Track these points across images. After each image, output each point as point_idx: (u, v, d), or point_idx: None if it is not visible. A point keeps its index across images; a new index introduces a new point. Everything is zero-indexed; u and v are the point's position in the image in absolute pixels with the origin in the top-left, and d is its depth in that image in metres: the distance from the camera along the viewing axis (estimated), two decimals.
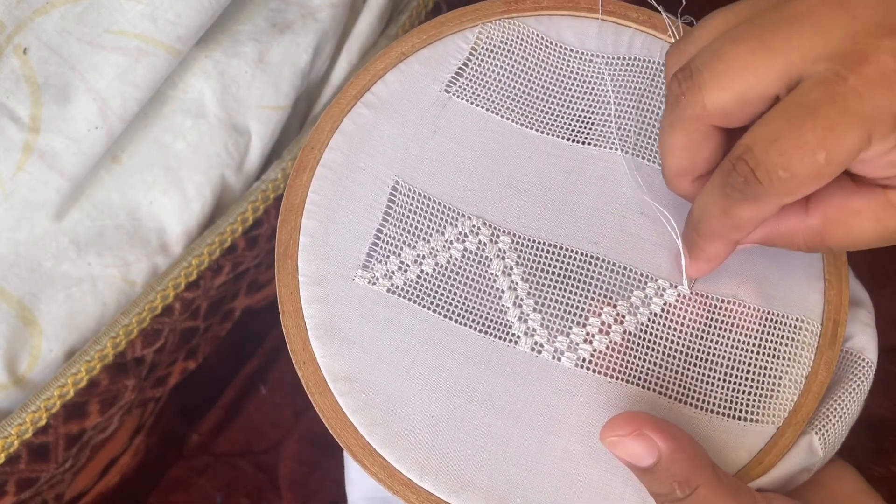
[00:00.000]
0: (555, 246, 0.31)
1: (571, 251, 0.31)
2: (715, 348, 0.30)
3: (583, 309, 0.30)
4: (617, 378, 0.30)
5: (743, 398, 0.30)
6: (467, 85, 0.34)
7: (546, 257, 0.31)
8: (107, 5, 0.35)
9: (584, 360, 0.30)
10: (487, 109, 0.33)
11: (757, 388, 0.30)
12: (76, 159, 0.35)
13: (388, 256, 0.31)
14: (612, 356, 0.30)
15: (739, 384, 0.30)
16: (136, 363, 0.37)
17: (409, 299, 0.31)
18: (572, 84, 0.34)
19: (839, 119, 0.23)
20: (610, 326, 0.30)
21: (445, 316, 0.30)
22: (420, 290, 0.31)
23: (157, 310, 0.37)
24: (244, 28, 0.39)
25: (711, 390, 0.30)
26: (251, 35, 0.39)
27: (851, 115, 0.23)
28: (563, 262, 0.31)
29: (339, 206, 0.32)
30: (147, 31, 0.35)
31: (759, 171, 0.24)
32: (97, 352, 0.36)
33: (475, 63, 0.34)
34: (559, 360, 0.30)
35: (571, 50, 0.34)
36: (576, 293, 0.31)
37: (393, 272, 0.31)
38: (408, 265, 0.31)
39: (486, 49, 0.34)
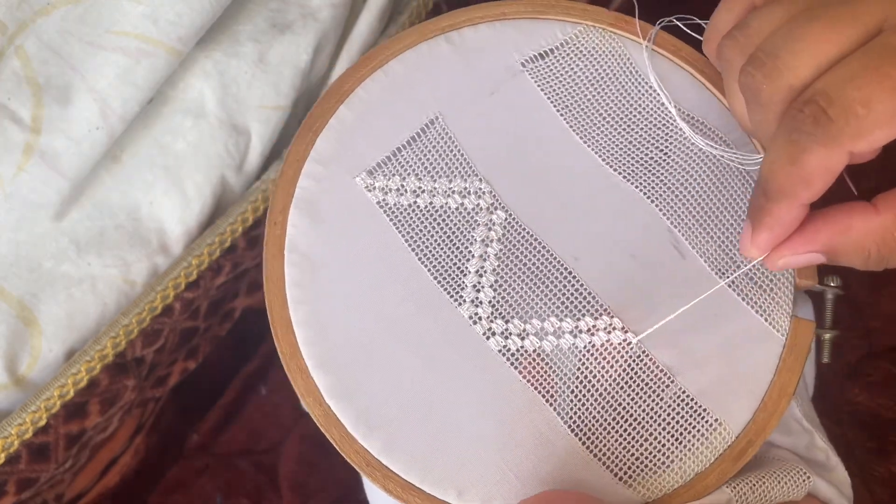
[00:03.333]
0: (539, 242, 0.32)
1: (551, 254, 0.32)
2: (628, 403, 0.31)
3: (532, 308, 0.31)
4: (529, 381, 0.30)
5: (629, 459, 0.30)
6: (544, 69, 0.34)
7: (527, 247, 0.32)
8: (108, 6, 0.35)
9: (509, 349, 0.31)
10: (549, 98, 0.34)
11: (646, 458, 0.30)
12: (77, 160, 0.35)
13: (393, 175, 0.32)
14: (534, 359, 0.31)
15: (633, 446, 0.30)
16: (136, 363, 0.37)
17: (391, 219, 0.32)
18: (636, 116, 0.34)
19: None
20: (547, 335, 0.31)
21: (412, 249, 0.32)
22: (404, 217, 0.32)
23: (157, 310, 0.37)
24: (244, 28, 0.39)
25: (606, 437, 0.30)
26: (251, 35, 0.39)
27: None
28: (538, 258, 0.32)
29: (378, 109, 0.33)
30: (148, 32, 0.35)
31: (833, 109, 0.23)
32: (97, 352, 0.36)
33: (561, 54, 0.35)
34: (488, 338, 0.31)
35: (651, 87, 0.34)
36: (533, 291, 0.31)
37: (391, 190, 0.32)
38: (406, 191, 0.32)
39: (577, 48, 0.35)
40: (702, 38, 0.32)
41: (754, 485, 0.31)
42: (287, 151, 0.32)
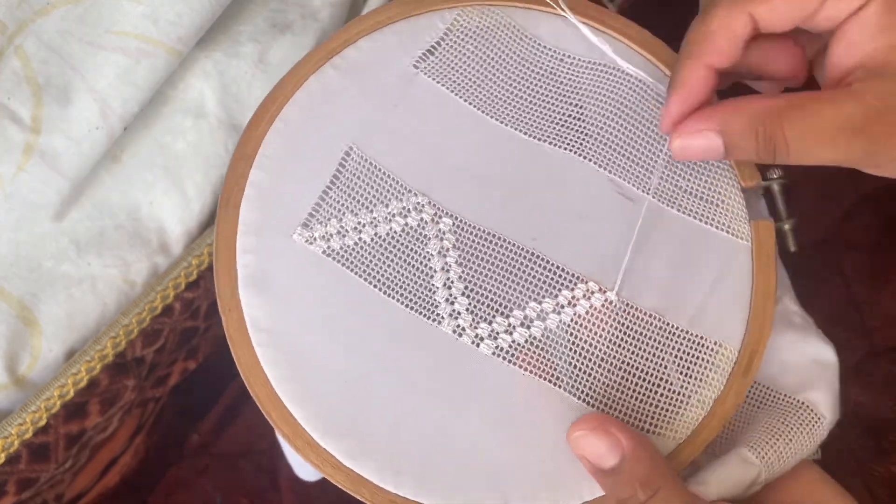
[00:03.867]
0: (494, 235, 0.32)
1: (509, 243, 0.31)
2: (630, 358, 0.31)
3: (510, 300, 0.31)
4: (531, 372, 0.30)
5: (649, 410, 0.30)
6: (437, 64, 0.34)
7: (483, 245, 0.31)
8: (107, 6, 0.35)
9: (502, 349, 0.30)
10: (452, 91, 0.33)
11: (665, 402, 0.30)
12: (77, 160, 0.35)
13: (329, 219, 0.31)
14: (530, 350, 0.30)
15: (648, 396, 0.30)
16: (136, 363, 0.37)
17: (343, 264, 0.31)
18: (540, 81, 0.34)
19: None
20: (532, 321, 0.31)
21: (375, 286, 0.31)
22: (355, 257, 0.31)
23: (157, 310, 0.37)
24: (244, 28, 0.39)
25: (620, 397, 0.30)
26: (251, 35, 0.39)
27: None
28: (498, 251, 0.31)
29: (289, 161, 0.32)
30: (148, 32, 0.35)
31: None
32: (97, 352, 0.36)
33: (448, 44, 0.34)
34: (478, 345, 0.30)
35: (545, 47, 0.34)
36: (505, 284, 0.31)
37: (332, 235, 0.31)
38: (347, 231, 0.31)
39: (462, 32, 0.34)
40: None
41: (780, 452, 0.31)
42: (214, 234, 0.31)
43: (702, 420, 0.31)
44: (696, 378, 0.31)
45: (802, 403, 0.32)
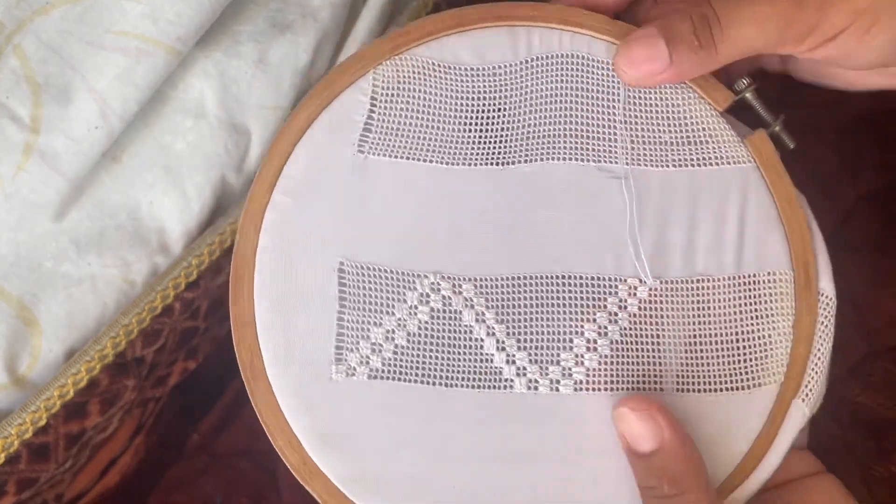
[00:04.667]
0: (517, 277, 0.30)
1: (535, 277, 0.30)
2: (700, 329, 0.30)
3: (565, 332, 0.30)
4: (617, 389, 0.30)
5: (740, 367, 0.30)
6: (379, 139, 0.32)
7: (513, 291, 0.30)
8: (107, 5, 0.35)
9: (580, 382, 0.30)
10: (408, 158, 0.31)
11: (750, 353, 0.30)
12: (76, 159, 0.35)
13: (357, 342, 0.30)
14: (606, 370, 0.30)
15: (733, 355, 0.30)
16: (136, 363, 0.37)
17: (393, 378, 0.29)
18: (484, 104, 0.32)
19: None
20: (596, 342, 0.30)
21: (434, 383, 0.29)
22: (400, 366, 0.30)
23: (157, 310, 0.37)
24: (244, 28, 0.39)
25: (708, 370, 0.30)
26: (251, 35, 0.39)
27: None
28: (530, 290, 0.30)
29: (290, 309, 0.30)
30: (147, 32, 0.35)
31: None
32: (97, 352, 0.36)
33: (379, 113, 0.32)
34: (557, 389, 0.29)
35: (472, 69, 0.32)
36: (553, 318, 0.30)
37: (368, 357, 0.30)
38: (380, 344, 0.30)
39: (386, 94, 0.32)
40: None
41: (818, 389, 0.30)
42: (259, 413, 0.29)
43: (790, 351, 0.30)
44: (767, 315, 0.30)
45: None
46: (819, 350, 0.30)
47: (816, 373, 0.30)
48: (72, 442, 0.36)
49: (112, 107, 0.36)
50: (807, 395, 0.30)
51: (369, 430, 0.29)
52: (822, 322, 0.31)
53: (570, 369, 0.30)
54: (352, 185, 0.31)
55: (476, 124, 0.32)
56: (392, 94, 0.32)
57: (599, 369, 0.30)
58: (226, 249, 0.39)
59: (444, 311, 0.30)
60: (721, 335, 0.30)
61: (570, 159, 0.31)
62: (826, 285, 0.31)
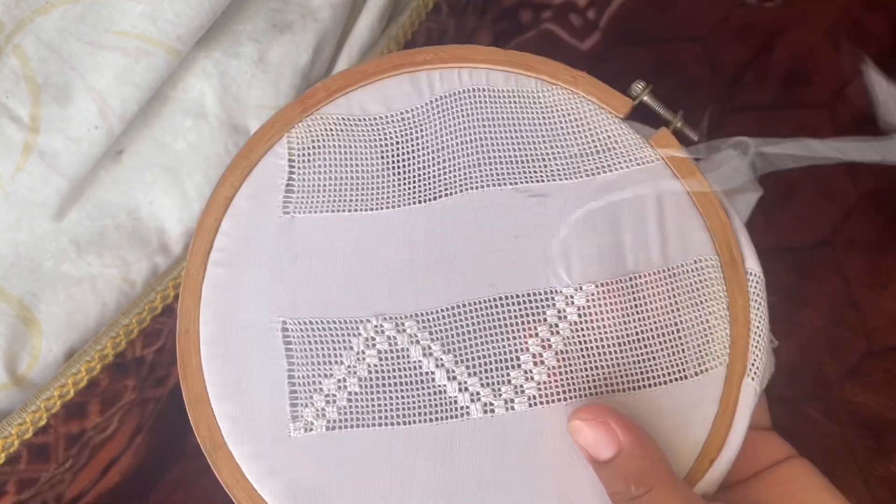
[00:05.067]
0: (457, 306, 0.31)
1: (473, 303, 0.31)
2: (640, 325, 0.31)
3: (511, 351, 0.30)
4: (571, 398, 0.30)
5: (684, 356, 0.31)
6: (302, 198, 0.33)
7: (455, 321, 0.31)
8: (106, 5, 0.35)
9: (534, 397, 0.30)
10: (332, 211, 0.32)
11: (692, 341, 0.31)
12: (76, 159, 0.35)
13: (311, 397, 0.30)
14: (556, 381, 0.30)
15: (676, 346, 0.31)
16: (136, 363, 0.37)
17: (351, 426, 0.30)
18: (397, 148, 0.33)
19: None
20: (542, 355, 0.30)
21: (392, 424, 0.30)
22: (357, 412, 0.30)
23: (157, 310, 0.37)
24: (244, 28, 0.39)
25: (655, 364, 0.30)
26: (251, 35, 0.39)
27: None
28: (470, 317, 0.31)
29: (240, 376, 0.30)
30: (147, 31, 0.35)
31: None
32: (97, 352, 0.36)
33: (299, 174, 0.33)
34: (513, 408, 0.30)
35: (381, 117, 0.34)
36: (497, 340, 0.30)
37: (323, 409, 0.30)
38: (334, 394, 0.30)
39: (302, 155, 0.33)
40: None
41: (764, 365, 0.31)
42: (224, 483, 0.30)
43: (730, 333, 0.31)
44: (700, 302, 0.31)
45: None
46: (757, 327, 0.31)
47: (759, 349, 0.31)
48: (72, 442, 0.36)
49: (112, 107, 0.36)
50: (754, 373, 0.31)
51: (335, 481, 0.29)
52: (755, 300, 0.32)
53: (521, 386, 0.30)
54: (282, 245, 0.32)
55: (393, 169, 0.33)
56: (308, 154, 0.33)
57: (550, 381, 0.30)
58: None
59: (392, 351, 0.31)
60: (661, 328, 0.31)
61: (487, 186, 0.32)
62: (752, 265, 0.32)
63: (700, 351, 0.31)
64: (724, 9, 0.50)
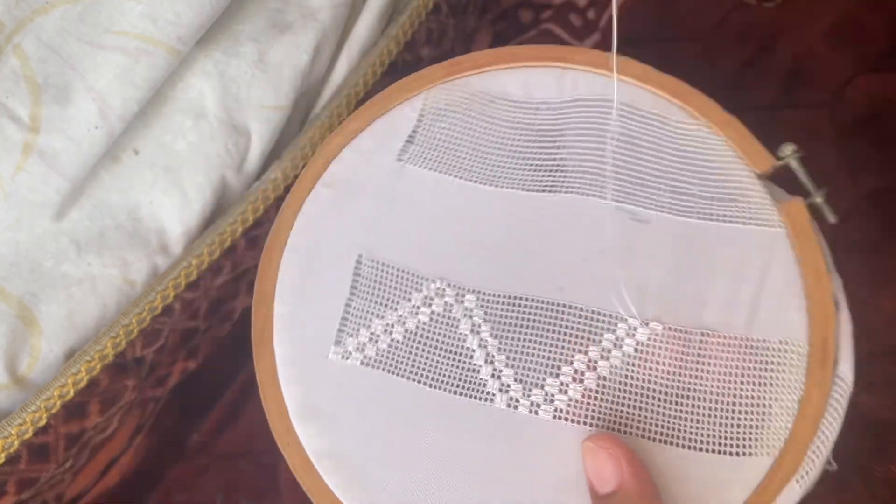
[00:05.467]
0: (520, 298, 0.31)
1: (537, 301, 0.31)
2: (696, 383, 0.29)
3: (555, 359, 0.30)
4: (597, 425, 0.29)
5: (731, 432, 0.29)
6: (419, 151, 0.34)
7: (512, 311, 0.31)
8: (106, 5, 0.35)
9: (561, 410, 0.29)
10: (441, 172, 0.33)
11: (746, 419, 0.29)
12: (76, 159, 0.35)
13: (358, 329, 0.31)
14: (589, 403, 0.29)
15: (726, 418, 0.29)
16: (136, 363, 0.37)
17: (383, 369, 0.31)
18: (521, 134, 0.34)
19: None
20: (583, 374, 0.30)
21: (419, 381, 0.30)
22: (392, 359, 0.31)
23: (157, 310, 0.37)
24: (244, 28, 0.39)
25: (697, 427, 0.29)
26: (251, 35, 0.39)
27: None
28: (529, 313, 0.31)
29: (307, 287, 0.32)
30: (147, 31, 0.35)
31: None
32: (97, 352, 0.36)
33: (424, 129, 0.34)
34: (536, 413, 0.29)
35: (516, 101, 0.34)
36: (546, 343, 0.30)
37: (364, 344, 0.31)
38: (378, 335, 0.31)
39: (433, 114, 0.35)
40: None
41: (816, 473, 0.29)
42: (257, 374, 0.31)
43: (793, 427, 0.29)
44: (771, 385, 0.29)
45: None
46: (825, 433, 0.29)
47: (818, 456, 0.29)
48: (72, 442, 0.36)
49: (112, 106, 0.36)
50: (803, 478, 0.29)
51: (350, 412, 0.30)
52: (834, 406, 0.29)
53: (552, 395, 0.29)
54: (386, 188, 0.33)
55: (510, 151, 0.34)
56: (438, 114, 0.35)
57: (582, 402, 0.29)
58: (226, 249, 0.39)
59: (444, 316, 0.31)
60: (716, 394, 0.29)
61: (594, 196, 0.32)
62: (846, 371, 0.29)
63: (750, 433, 0.29)
64: (724, 9, 0.49)
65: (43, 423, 0.35)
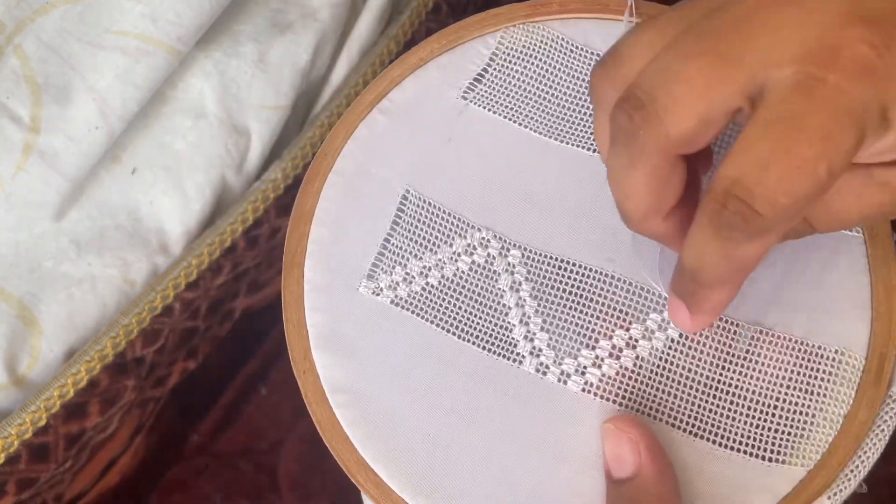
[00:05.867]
0: (567, 262, 0.29)
1: (585, 268, 0.29)
2: (739, 379, 0.28)
3: (594, 330, 0.29)
4: (627, 406, 0.28)
5: (768, 436, 0.27)
6: (486, 91, 0.32)
7: (558, 273, 0.29)
8: (107, 5, 0.35)
9: (591, 384, 0.28)
10: (505, 117, 0.32)
11: (786, 425, 0.27)
12: (76, 159, 0.35)
13: (393, 267, 0.30)
14: (622, 382, 0.28)
15: (765, 420, 0.27)
16: (136, 363, 0.37)
17: (413, 312, 0.29)
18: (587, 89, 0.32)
19: (832, 124, 0.21)
20: (622, 351, 0.28)
21: (448, 331, 0.29)
22: (424, 303, 0.29)
23: (157, 310, 0.37)
24: (244, 28, 0.39)
25: (732, 425, 0.28)
26: (251, 35, 0.39)
27: (844, 117, 0.21)
28: (575, 279, 0.29)
29: (348, 213, 0.31)
30: (147, 32, 0.35)
31: (759, 203, 0.22)
32: (97, 352, 0.36)
33: (495, 69, 0.32)
34: (565, 383, 0.28)
35: (596, 53, 0.32)
36: (587, 313, 0.29)
37: (398, 283, 0.30)
38: (413, 277, 0.30)
39: (508, 54, 0.33)
40: None
41: (849, 491, 0.28)
42: (282, 294, 0.30)
43: (833, 440, 0.27)
44: (818, 394, 0.28)
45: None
46: (867, 453, 0.28)
47: (856, 474, 0.27)
48: (72, 442, 0.36)
49: (112, 107, 0.36)
50: (836, 495, 0.27)
51: (372, 350, 0.29)
52: (881, 426, 0.28)
53: (584, 367, 0.28)
54: (445, 124, 0.32)
55: (581, 107, 0.32)
56: (512, 56, 0.33)
57: (615, 379, 0.28)
58: (226, 249, 0.39)
59: (484, 268, 0.30)
60: (759, 394, 0.28)
61: None
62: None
63: (787, 439, 0.27)
64: None
65: (43, 423, 0.35)
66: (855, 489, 0.28)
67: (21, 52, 0.35)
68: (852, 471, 0.28)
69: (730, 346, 0.28)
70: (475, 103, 0.32)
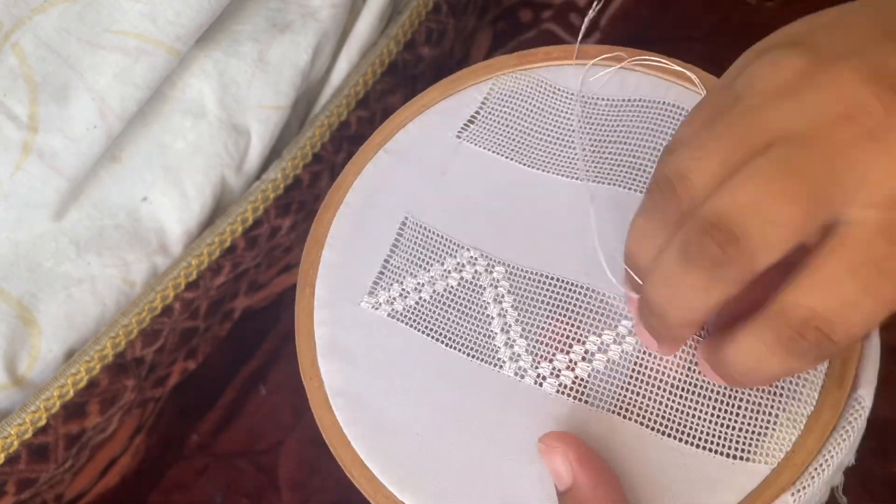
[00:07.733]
0: (546, 276, 0.32)
1: (563, 281, 0.32)
2: (705, 380, 0.29)
3: (568, 337, 0.31)
4: (599, 406, 0.30)
5: (733, 434, 0.29)
6: (477, 131, 0.36)
7: (537, 287, 0.32)
8: (106, 4, 0.35)
9: (564, 386, 0.30)
10: (494, 152, 0.36)
11: (750, 423, 0.29)
12: (75, 159, 0.35)
13: (391, 284, 0.33)
14: (593, 385, 0.30)
15: (730, 419, 0.29)
16: (135, 363, 0.37)
17: (407, 324, 0.33)
18: (581, 127, 0.35)
19: None
20: (594, 355, 0.31)
21: (438, 340, 0.32)
22: (417, 316, 0.33)
23: (156, 310, 0.37)
24: (244, 28, 0.39)
25: (698, 423, 0.29)
26: (251, 35, 0.39)
27: None
28: (552, 291, 0.32)
29: (355, 239, 0.35)
30: (146, 31, 0.35)
31: (838, 335, 0.23)
32: (97, 352, 0.36)
33: (486, 111, 0.37)
34: (541, 385, 0.30)
35: (573, 94, 0.36)
36: (563, 321, 0.31)
37: (395, 298, 0.33)
38: (408, 292, 0.33)
39: (497, 99, 0.37)
40: None
41: (814, 492, 0.28)
42: (295, 311, 0.34)
43: (797, 440, 0.28)
44: (783, 394, 0.29)
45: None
46: (830, 453, 0.28)
47: (819, 473, 0.28)
48: (71, 442, 0.36)
49: (111, 106, 0.35)
50: (799, 493, 0.28)
51: (369, 357, 0.32)
52: (845, 427, 0.29)
53: (559, 370, 0.30)
54: (441, 160, 0.36)
55: (563, 140, 0.35)
56: (503, 100, 0.37)
57: (587, 381, 0.30)
58: (226, 249, 0.39)
59: (471, 283, 0.33)
60: (724, 395, 0.29)
61: (638, 191, 0.33)
62: (865, 394, 0.29)
63: (751, 438, 0.29)
64: (724, 9, 0.49)
65: (42, 423, 0.35)
66: (837, 500, 0.29)
67: (19, 49, 0.35)
68: (816, 469, 0.28)
69: (697, 348, 0.30)
70: (468, 141, 0.36)
